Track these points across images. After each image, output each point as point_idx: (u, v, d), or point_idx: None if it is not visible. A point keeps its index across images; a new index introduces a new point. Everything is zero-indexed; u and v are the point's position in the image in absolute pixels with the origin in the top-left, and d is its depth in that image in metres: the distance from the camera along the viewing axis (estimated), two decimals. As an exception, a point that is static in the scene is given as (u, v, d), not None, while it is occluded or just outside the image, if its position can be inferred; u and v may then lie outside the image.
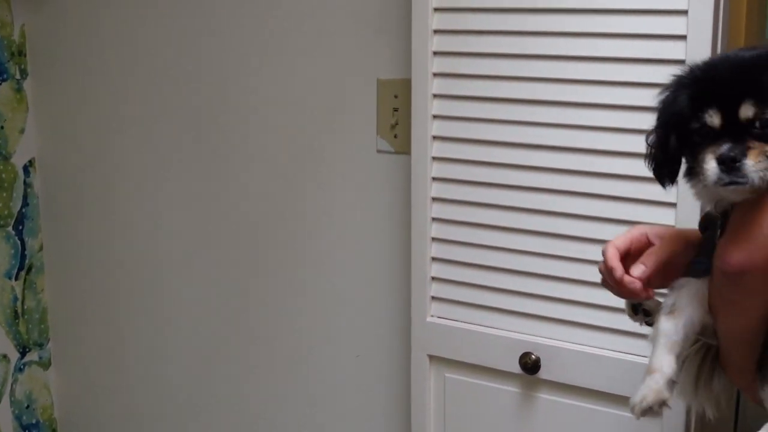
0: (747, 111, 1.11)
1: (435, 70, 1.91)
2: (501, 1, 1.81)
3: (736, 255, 1.10)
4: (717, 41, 1.63)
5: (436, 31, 1.90)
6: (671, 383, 1.23)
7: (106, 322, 2.68)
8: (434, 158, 1.95)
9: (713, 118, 1.13)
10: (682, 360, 1.25)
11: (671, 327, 1.24)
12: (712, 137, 1.13)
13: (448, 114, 1.92)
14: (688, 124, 1.16)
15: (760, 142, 1.11)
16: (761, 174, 1.10)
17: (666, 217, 1.69)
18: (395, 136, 2.11)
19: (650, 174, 1.26)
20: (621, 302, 1.75)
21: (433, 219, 1.97)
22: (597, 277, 1.77)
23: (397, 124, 2.10)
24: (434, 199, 1.97)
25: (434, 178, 1.96)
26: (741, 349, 1.22)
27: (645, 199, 1.72)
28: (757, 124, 1.10)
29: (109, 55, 2.51)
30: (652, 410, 1.23)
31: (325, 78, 2.20)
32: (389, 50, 2.09)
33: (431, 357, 2.03)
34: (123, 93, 2.51)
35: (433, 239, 1.98)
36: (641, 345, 1.70)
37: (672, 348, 1.24)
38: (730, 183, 1.11)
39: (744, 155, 1.10)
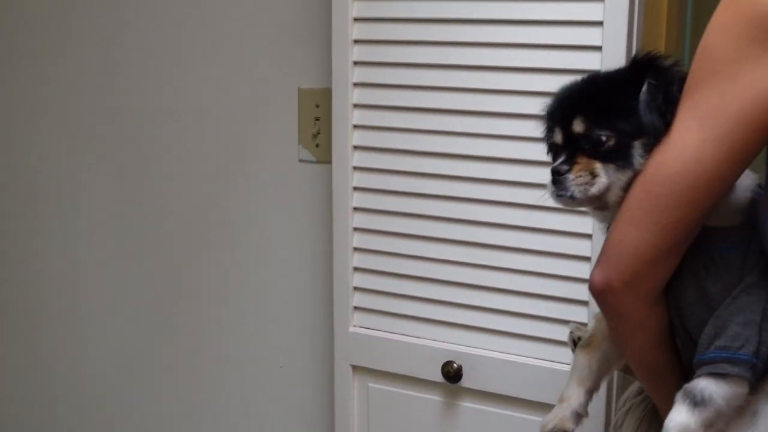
0: (577, 127, 1.18)
1: (356, 80, 1.91)
2: (420, 12, 1.82)
3: (595, 274, 1.10)
4: (632, 51, 1.66)
5: (356, 41, 1.90)
6: (576, 415, 1.27)
7: (23, 331, 2.62)
8: (355, 168, 1.95)
9: (557, 135, 1.22)
10: (591, 393, 1.29)
11: (584, 362, 1.28)
12: (558, 153, 1.22)
13: (369, 124, 1.92)
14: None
15: (588, 157, 1.17)
16: (580, 188, 1.16)
17: (584, 225, 1.71)
18: (317, 146, 2.11)
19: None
20: (540, 310, 1.79)
21: (355, 229, 1.97)
22: (518, 286, 1.81)
23: (318, 133, 2.09)
24: (356, 209, 1.96)
25: (356, 188, 1.95)
26: (648, 384, 1.23)
27: (566, 208, 1.73)
28: (588, 138, 1.17)
29: (26, 58, 2.46)
30: None
31: (247, 87, 2.18)
32: (310, 60, 2.08)
33: (354, 367, 2.03)
34: (41, 100, 2.46)
35: (355, 249, 1.98)
36: (561, 352, 1.72)
37: (582, 381, 1.28)
38: (558, 195, 1.19)
39: (568, 169, 1.18)
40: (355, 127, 1.93)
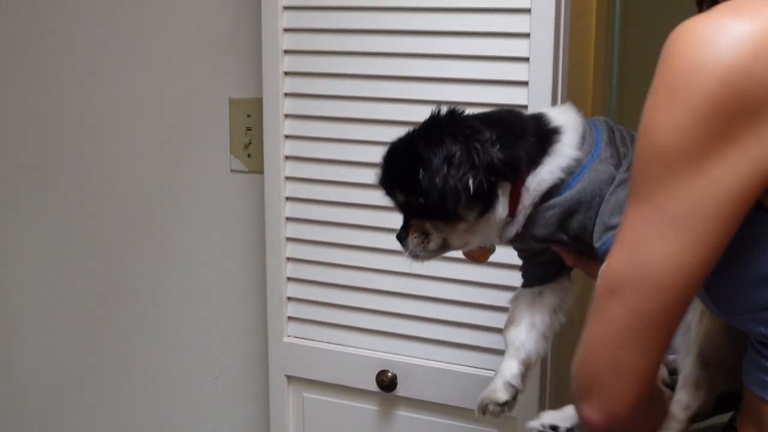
0: (399, 197, 1.27)
1: (286, 90, 1.91)
2: (350, 23, 1.82)
3: (593, 412, 1.00)
4: (558, 62, 1.69)
5: (286, 52, 1.89)
6: (509, 386, 1.30)
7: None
8: (288, 178, 1.94)
9: (392, 202, 1.30)
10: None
11: (512, 335, 1.33)
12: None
13: (300, 134, 1.92)
14: None
15: (419, 219, 1.25)
16: (419, 248, 1.25)
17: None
18: (249, 156, 2.10)
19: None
20: (472, 318, 1.80)
21: (288, 239, 1.97)
22: (450, 295, 1.81)
23: (250, 143, 2.08)
24: (288, 219, 1.96)
25: (288, 198, 1.95)
26: None
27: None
28: (409, 205, 1.25)
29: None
30: (488, 409, 1.31)
31: (178, 97, 2.16)
32: (241, 69, 2.07)
33: (289, 377, 2.02)
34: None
35: (288, 259, 1.97)
36: (494, 360, 1.74)
37: (515, 354, 1.32)
38: (410, 255, 1.27)
39: (405, 235, 1.26)
40: (287, 137, 1.93)
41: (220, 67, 2.10)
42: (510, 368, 1.31)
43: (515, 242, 1.29)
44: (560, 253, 1.30)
